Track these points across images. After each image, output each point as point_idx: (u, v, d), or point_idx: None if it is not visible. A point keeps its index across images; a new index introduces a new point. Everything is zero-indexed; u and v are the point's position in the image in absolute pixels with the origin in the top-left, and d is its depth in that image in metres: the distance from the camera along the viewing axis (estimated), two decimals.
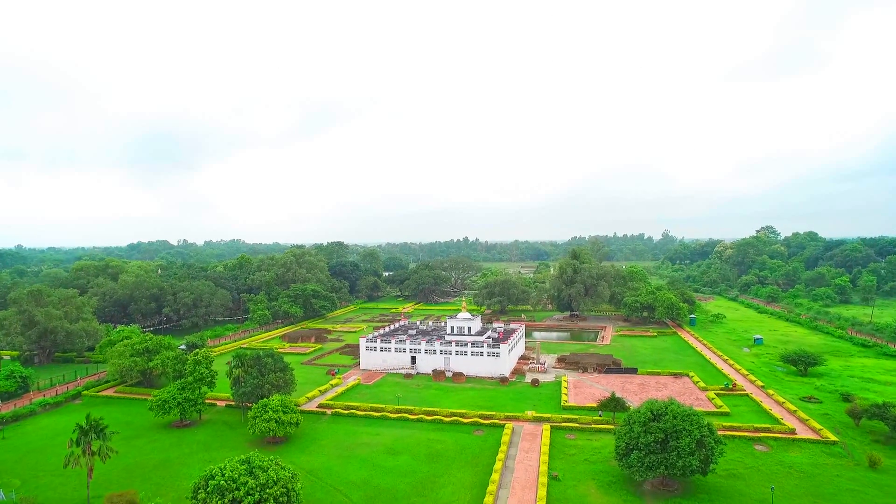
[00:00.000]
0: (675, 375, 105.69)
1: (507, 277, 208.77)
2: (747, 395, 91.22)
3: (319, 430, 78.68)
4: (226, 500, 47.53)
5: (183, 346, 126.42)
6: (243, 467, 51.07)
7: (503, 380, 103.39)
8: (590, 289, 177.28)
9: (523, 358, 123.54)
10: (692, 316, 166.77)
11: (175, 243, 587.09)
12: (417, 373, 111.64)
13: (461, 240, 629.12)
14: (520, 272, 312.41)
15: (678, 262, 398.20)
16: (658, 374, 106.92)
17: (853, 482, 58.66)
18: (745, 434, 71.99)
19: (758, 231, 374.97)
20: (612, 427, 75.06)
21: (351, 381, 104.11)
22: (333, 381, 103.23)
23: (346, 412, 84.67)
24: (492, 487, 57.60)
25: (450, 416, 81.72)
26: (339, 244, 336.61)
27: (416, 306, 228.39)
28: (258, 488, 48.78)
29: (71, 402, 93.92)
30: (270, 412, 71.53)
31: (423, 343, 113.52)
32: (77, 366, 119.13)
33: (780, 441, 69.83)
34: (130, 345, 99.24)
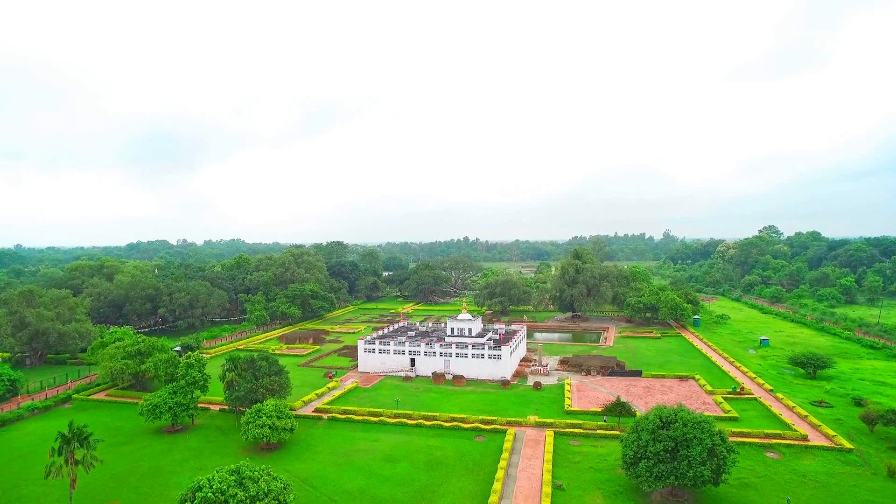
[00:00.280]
0: (681, 378, 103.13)
1: (507, 277, 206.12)
2: (756, 398, 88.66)
3: (315, 435, 76.18)
4: None
5: (178, 348, 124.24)
6: (232, 478, 48.57)
7: (504, 383, 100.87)
8: (592, 289, 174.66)
9: (525, 360, 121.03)
10: (696, 317, 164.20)
11: (175, 243, 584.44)
12: (417, 375, 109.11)
13: (461, 239, 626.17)
14: (520, 272, 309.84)
15: (680, 262, 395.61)
16: (663, 376, 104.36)
17: (872, 493, 56.09)
18: (756, 440, 69.38)
19: (760, 231, 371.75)
20: (617, 433, 72.65)
21: (349, 384, 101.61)
22: (331, 384, 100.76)
23: (343, 417, 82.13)
24: (493, 498, 55.08)
25: (450, 421, 79.21)
26: (339, 244, 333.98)
27: (416, 307, 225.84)
28: (248, 501, 46.30)
29: (60, 406, 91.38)
30: (264, 417, 69.04)
31: (423, 345, 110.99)
32: (69, 368, 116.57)
33: (793, 448, 67.25)
34: (122, 347, 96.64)
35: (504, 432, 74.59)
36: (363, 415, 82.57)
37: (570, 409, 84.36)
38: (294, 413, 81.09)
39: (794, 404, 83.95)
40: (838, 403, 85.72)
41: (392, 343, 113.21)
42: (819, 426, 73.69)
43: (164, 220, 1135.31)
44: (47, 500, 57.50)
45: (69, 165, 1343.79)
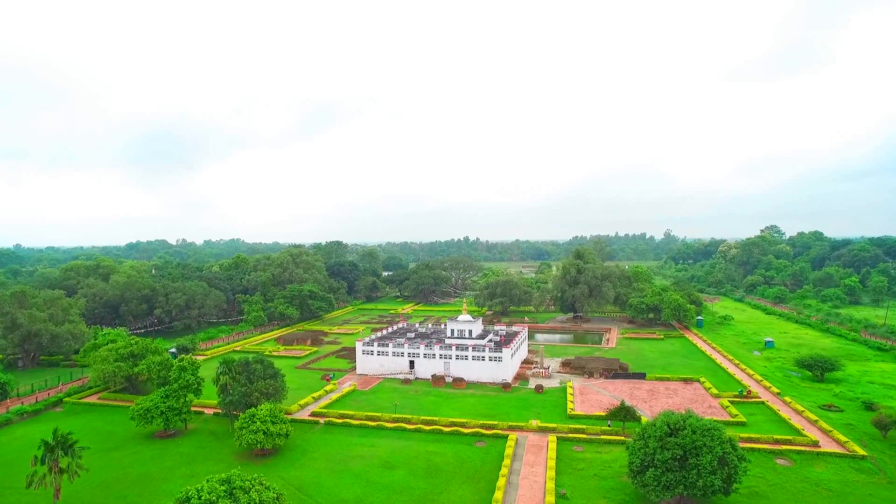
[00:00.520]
0: (686, 381, 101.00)
1: (508, 278, 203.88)
2: (763, 402, 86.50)
3: (311, 440, 74.09)
4: None
5: (173, 350, 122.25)
6: (223, 488, 46.38)
7: (506, 386, 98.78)
8: (594, 289, 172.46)
9: (526, 362, 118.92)
10: (699, 318, 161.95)
11: (174, 243, 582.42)
12: (416, 378, 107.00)
13: (462, 239, 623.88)
14: (521, 272, 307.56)
15: (681, 261, 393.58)
16: (667, 379, 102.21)
17: (888, 502, 53.96)
18: (766, 446, 67.20)
19: (762, 230, 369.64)
20: (622, 438, 70.61)
21: (346, 387, 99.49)
22: (328, 387, 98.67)
23: (340, 421, 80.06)
24: None
25: (450, 425, 77.07)
26: (338, 243, 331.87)
27: (416, 307, 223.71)
28: None
29: (51, 410, 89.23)
30: (258, 423, 66.94)
31: (422, 347, 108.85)
32: (62, 370, 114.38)
33: (804, 455, 65.08)
34: (115, 349, 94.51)
35: (505, 438, 72.49)
36: (361, 419, 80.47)
37: (572, 413, 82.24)
38: (290, 417, 79.14)
39: (803, 408, 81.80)
40: (848, 407, 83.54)
41: (391, 345, 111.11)
42: (830, 431, 71.55)
43: (164, 220, 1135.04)
44: None
45: (69, 165, 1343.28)
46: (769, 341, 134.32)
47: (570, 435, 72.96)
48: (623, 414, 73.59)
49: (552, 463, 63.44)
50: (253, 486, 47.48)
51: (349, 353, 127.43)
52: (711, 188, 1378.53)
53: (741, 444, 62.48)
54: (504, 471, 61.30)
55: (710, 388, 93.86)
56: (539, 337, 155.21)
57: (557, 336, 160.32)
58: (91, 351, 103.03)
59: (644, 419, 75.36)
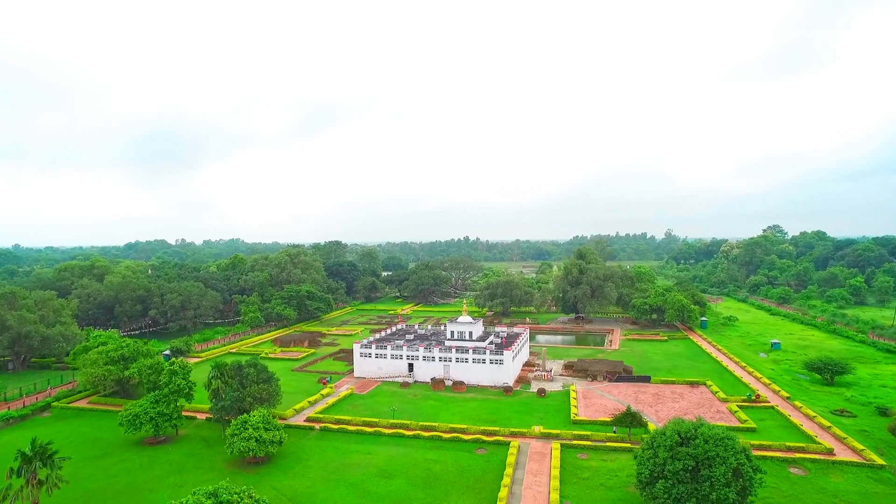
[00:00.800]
0: (692, 384, 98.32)
1: (509, 278, 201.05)
2: (773, 407, 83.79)
3: (306, 447, 71.43)
4: None
5: (167, 352, 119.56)
6: (209, 501, 43.90)
7: (507, 389, 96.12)
8: (596, 290, 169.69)
9: (528, 364, 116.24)
10: (703, 318, 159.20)
11: (174, 243, 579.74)
12: (415, 381, 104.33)
13: (462, 239, 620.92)
14: (521, 272, 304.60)
15: (683, 261, 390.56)
16: (673, 382, 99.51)
17: None
18: (778, 454, 64.55)
19: (764, 230, 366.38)
20: (628, 445, 67.99)
21: (343, 391, 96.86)
22: (325, 391, 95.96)
23: (336, 427, 77.36)
24: None
25: (449, 431, 74.43)
26: (337, 243, 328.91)
27: (416, 307, 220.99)
28: None
29: (38, 415, 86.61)
30: (250, 430, 64.26)
31: (421, 349, 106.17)
32: (53, 373, 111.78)
33: (818, 463, 62.39)
34: (105, 352, 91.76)
35: (507, 445, 69.83)
36: (358, 425, 77.80)
37: (576, 418, 79.54)
38: (284, 423, 76.66)
39: (815, 413, 79.09)
40: (861, 413, 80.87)
41: (389, 347, 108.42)
42: (844, 438, 68.84)
43: (164, 219, 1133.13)
44: None
45: (69, 165, 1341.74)
46: (776, 343, 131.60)
47: (575, 442, 70.35)
48: (629, 420, 70.84)
49: (556, 472, 60.75)
50: (242, 499, 45.00)
51: (347, 355, 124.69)
52: (712, 188, 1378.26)
53: (753, 452, 60.04)
54: (506, 480, 58.66)
55: (717, 392, 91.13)
56: (540, 338, 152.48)
57: (559, 337, 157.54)
58: (81, 353, 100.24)
59: (651, 425, 72.83)
